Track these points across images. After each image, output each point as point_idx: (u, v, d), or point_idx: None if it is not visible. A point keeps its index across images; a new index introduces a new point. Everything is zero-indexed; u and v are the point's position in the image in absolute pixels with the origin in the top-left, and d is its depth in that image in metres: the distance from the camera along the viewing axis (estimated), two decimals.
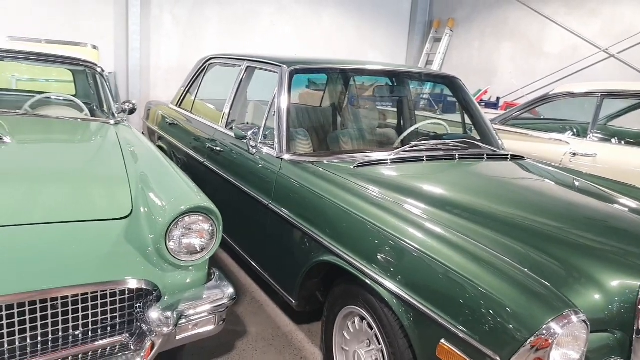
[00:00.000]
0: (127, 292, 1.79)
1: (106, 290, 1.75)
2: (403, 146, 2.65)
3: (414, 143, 2.69)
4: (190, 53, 7.20)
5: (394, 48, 9.67)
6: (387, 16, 9.43)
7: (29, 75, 5.65)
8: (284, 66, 2.74)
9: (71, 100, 3.40)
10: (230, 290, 1.98)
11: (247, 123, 3.09)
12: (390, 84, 3.84)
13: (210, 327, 1.94)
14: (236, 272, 3.28)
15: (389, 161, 2.48)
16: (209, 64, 3.86)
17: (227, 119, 3.21)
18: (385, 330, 1.77)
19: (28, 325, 1.62)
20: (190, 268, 1.91)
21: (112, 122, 3.15)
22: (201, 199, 1.91)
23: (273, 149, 2.60)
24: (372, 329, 1.87)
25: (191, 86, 4.02)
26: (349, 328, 2.04)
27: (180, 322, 1.79)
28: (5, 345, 1.60)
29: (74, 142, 2.69)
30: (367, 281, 1.80)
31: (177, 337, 1.85)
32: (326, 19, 8.71)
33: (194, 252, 1.88)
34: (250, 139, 2.73)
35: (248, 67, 3.22)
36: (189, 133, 3.64)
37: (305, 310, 2.41)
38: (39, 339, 1.66)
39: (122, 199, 1.96)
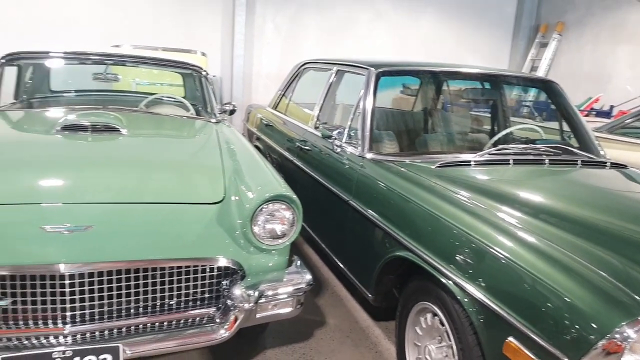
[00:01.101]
0: (216, 269, 1.98)
1: (198, 266, 1.95)
2: None
3: (500, 146, 2.63)
4: (289, 60, 7.53)
5: (496, 53, 9.35)
6: (489, 21, 9.15)
7: (147, 80, 6.32)
8: (371, 69, 2.83)
9: (179, 101, 3.75)
10: (308, 276, 2.10)
11: (335, 124, 3.22)
12: (484, 88, 3.76)
13: (288, 309, 2.07)
14: (319, 267, 3.41)
15: (472, 163, 2.46)
16: (304, 69, 4.06)
17: (317, 120, 3.36)
18: (455, 326, 1.78)
19: (132, 290, 1.86)
20: (273, 252, 2.06)
21: (213, 121, 3.44)
22: (284, 189, 2.06)
23: (356, 148, 2.70)
24: (443, 325, 1.89)
25: (286, 90, 4.25)
26: (421, 324, 2.06)
27: (260, 301, 1.94)
28: (114, 305, 1.85)
29: (179, 136, 3.00)
30: (441, 279, 1.82)
31: (258, 315, 2.00)
32: (424, 25, 8.66)
33: (276, 237, 2.03)
34: (335, 139, 2.85)
35: (338, 70, 3.36)
36: (282, 134, 3.86)
37: (381, 306, 2.46)
38: (141, 303, 1.89)
39: (216, 187, 2.16)
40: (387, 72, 2.84)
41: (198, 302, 2.00)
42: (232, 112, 3.84)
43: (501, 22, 9.25)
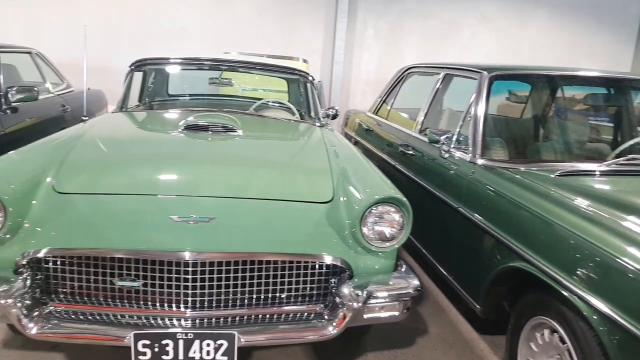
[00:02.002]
0: (324, 267, 2.02)
1: (309, 262, 2.00)
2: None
3: (631, 156, 2.42)
4: (388, 66, 7.52)
5: (617, 58, 8.58)
6: (609, 22, 8.44)
7: (251, 86, 6.64)
8: (484, 72, 2.73)
9: (286, 105, 3.89)
10: (416, 281, 2.07)
11: (441, 129, 3.15)
12: (607, 94, 3.48)
13: (395, 313, 2.05)
14: (419, 274, 3.34)
15: (598, 172, 2.28)
16: (408, 74, 4.03)
17: (422, 125, 3.32)
18: (580, 346, 1.65)
19: (247, 281, 1.95)
20: (380, 254, 2.06)
21: (317, 124, 3.52)
22: (394, 191, 2.05)
23: (466, 153, 2.62)
24: (564, 343, 1.76)
25: (388, 95, 4.24)
26: (537, 340, 1.94)
27: (369, 302, 1.94)
28: (222, 295, 1.95)
29: (288, 138, 3.11)
30: (564, 292, 1.70)
31: (365, 316, 2.00)
32: (533, 28, 8.20)
33: (384, 239, 2.02)
34: (443, 143, 2.78)
35: (446, 75, 3.29)
36: (383, 138, 3.85)
37: (489, 318, 2.36)
38: (255, 294, 1.98)
39: (325, 187, 2.20)
40: (500, 76, 2.73)
41: (307, 298, 2.05)
42: (334, 116, 3.90)
43: (624, 23, 8.49)
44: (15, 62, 4.22)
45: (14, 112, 3.59)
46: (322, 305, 2.06)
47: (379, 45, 7.73)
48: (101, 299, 1.93)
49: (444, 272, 2.68)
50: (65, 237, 1.88)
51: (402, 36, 7.78)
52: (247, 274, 1.95)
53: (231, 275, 1.93)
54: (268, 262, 1.96)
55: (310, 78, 3.77)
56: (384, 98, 4.29)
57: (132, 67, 3.56)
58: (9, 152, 2.20)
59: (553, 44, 8.26)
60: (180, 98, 4.54)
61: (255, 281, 1.96)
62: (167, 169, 2.23)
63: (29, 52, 4.49)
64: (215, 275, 1.91)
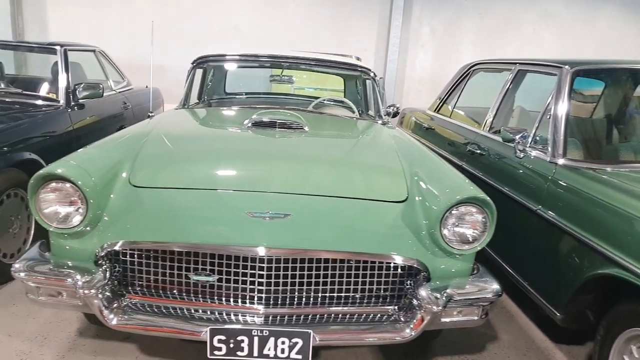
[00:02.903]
0: (400, 268, 1.95)
1: (382, 262, 1.93)
2: None
3: None
4: (443, 64, 7.36)
5: None
6: None
7: (305, 85, 6.64)
8: (566, 67, 2.58)
9: (346, 103, 3.83)
10: (496, 286, 1.97)
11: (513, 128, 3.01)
12: None
13: (473, 318, 1.96)
14: None
15: None
16: (473, 70, 3.89)
17: (491, 123, 3.19)
18: None
19: (321, 280, 1.91)
20: (458, 257, 1.97)
21: (379, 122, 3.45)
22: (476, 191, 1.96)
23: (544, 153, 2.48)
24: None
25: (451, 92, 4.11)
26: (633, 353, 1.80)
27: (449, 305, 1.86)
28: (295, 293, 1.91)
29: (353, 136, 3.05)
30: None
31: (442, 320, 1.92)
32: (602, 22, 7.74)
33: (465, 241, 1.93)
34: (519, 142, 2.65)
35: (519, 70, 3.14)
36: (447, 137, 3.73)
37: (569, 327, 2.22)
38: (328, 293, 1.93)
39: (399, 186, 2.13)
40: (585, 71, 2.57)
41: (380, 299, 1.99)
42: (395, 114, 3.82)
43: None
44: (80, 61, 4.36)
45: (80, 108, 3.70)
46: (395, 307, 2.00)
47: (434, 42, 7.55)
48: (175, 293, 1.94)
49: (518, 277, 2.55)
50: (142, 230, 1.90)
51: (458, 33, 7.57)
52: (321, 272, 1.91)
53: (305, 272, 1.89)
54: (342, 260, 1.91)
55: (372, 74, 3.69)
56: (446, 96, 4.17)
57: (195, 64, 3.59)
58: (86, 147, 2.24)
59: (623, 37, 7.75)
60: (238, 96, 4.58)
61: (328, 280, 1.92)
62: (240, 165, 2.23)
63: (93, 50, 4.63)
64: (289, 272, 1.88)
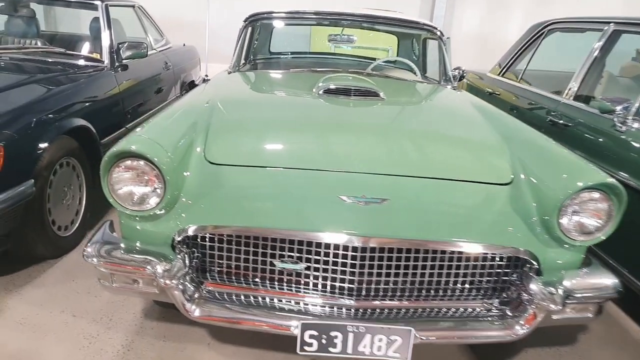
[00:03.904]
0: (506, 258, 1.74)
1: (487, 253, 1.73)
2: None
3: None
4: (492, 22, 6.89)
5: None
6: None
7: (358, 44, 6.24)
8: None
9: (407, 65, 3.53)
10: (615, 280, 1.76)
11: (602, 97, 2.72)
12: None
13: (588, 315, 1.77)
14: None
15: None
16: (548, 30, 3.54)
17: (577, 90, 2.89)
18: None
19: (419, 271, 1.72)
20: (570, 247, 1.75)
21: (449, 87, 3.17)
22: (603, 176, 1.71)
23: None
24: None
25: (519, 54, 3.78)
26: None
27: (567, 301, 1.66)
28: (390, 284, 1.72)
29: (433, 104, 2.78)
30: None
31: (554, 317, 1.73)
32: None
33: (586, 232, 1.71)
34: (620, 114, 2.37)
35: (614, 30, 2.81)
36: (517, 105, 3.44)
37: None
38: (426, 285, 1.74)
39: (502, 165, 1.91)
40: None
41: (482, 292, 1.80)
42: (461, 77, 3.52)
43: None
44: (119, 17, 4.10)
45: (124, 69, 3.48)
46: (497, 301, 1.81)
47: None
48: (258, 281, 1.77)
49: (624, 270, 2.30)
50: (224, 214, 1.71)
51: None
52: (420, 263, 1.71)
53: (402, 263, 1.70)
54: (444, 251, 1.71)
55: (438, 33, 3.38)
56: (513, 58, 3.83)
57: (247, 21, 3.33)
58: (152, 118, 2.03)
59: None
60: (283, 56, 4.31)
61: (427, 271, 1.73)
62: (325, 141, 1.99)
63: (132, 6, 4.36)
64: (384, 262, 1.69)
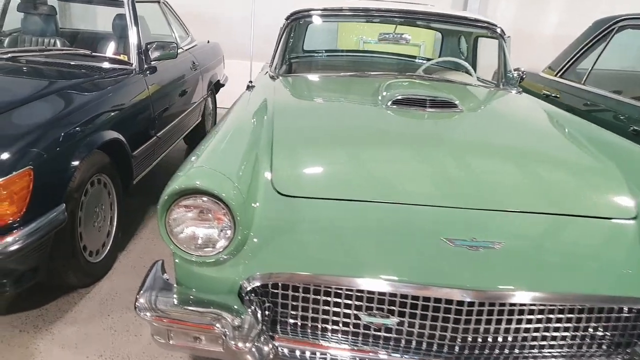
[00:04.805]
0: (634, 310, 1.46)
1: (614, 306, 1.44)
2: None
3: None
4: (528, 17, 6.50)
5: None
6: None
7: (373, 38, 5.91)
8: None
9: (463, 66, 3.22)
10: None
11: None
12: None
13: None
14: None
15: None
16: (619, 27, 3.21)
17: None
18: None
19: (530, 325, 1.43)
20: None
21: (513, 91, 2.87)
22: None
23: None
24: None
25: (583, 53, 3.45)
26: None
27: None
28: (499, 341, 1.44)
29: (512, 114, 2.44)
30: None
31: None
32: None
33: None
34: None
35: None
36: (585, 110, 3.12)
37: None
38: (538, 340, 1.46)
39: (620, 194, 1.61)
40: None
41: (602, 347, 1.51)
42: (521, 79, 3.20)
43: None
44: (143, 13, 3.80)
45: (152, 72, 3.18)
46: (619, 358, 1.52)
47: None
48: (339, 336, 1.50)
49: None
50: (302, 257, 1.43)
51: None
52: (534, 317, 1.43)
53: (514, 317, 1.42)
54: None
55: (499, 31, 3.06)
56: (574, 57, 3.51)
57: (290, 20, 3.02)
58: (205, 143, 1.72)
59: None
60: (318, 55, 4.03)
61: (542, 326, 1.44)
62: (417, 168, 1.68)
63: (158, 1, 4.06)
64: (494, 317, 1.40)
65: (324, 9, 2.99)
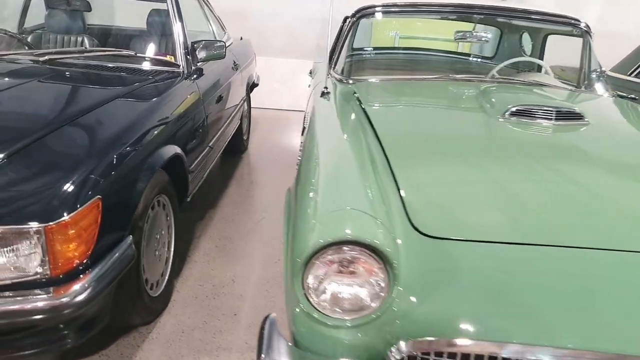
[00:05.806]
0: None
1: None
2: None
3: None
4: (569, 11, 6.17)
5: None
6: None
7: (412, 33, 5.60)
8: None
9: (541, 65, 2.93)
10: None
11: None
12: None
13: None
14: None
15: None
16: None
17: None
18: None
19: None
20: None
21: (606, 94, 2.58)
22: None
23: None
24: None
25: None
26: None
27: None
28: None
29: (633, 124, 2.15)
30: None
31: None
32: None
33: None
34: None
35: None
36: None
37: None
38: None
39: None
40: None
41: None
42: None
43: None
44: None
45: (200, 75, 2.85)
46: None
47: None
48: None
49: None
50: (470, 320, 1.14)
51: None
52: None
53: None
54: None
55: (584, 27, 2.76)
56: None
57: (356, 17, 2.72)
58: (319, 174, 1.42)
59: None
60: (364, 51, 3.74)
61: None
62: (583, 199, 1.39)
63: None
64: None
65: (394, 5, 2.69)
